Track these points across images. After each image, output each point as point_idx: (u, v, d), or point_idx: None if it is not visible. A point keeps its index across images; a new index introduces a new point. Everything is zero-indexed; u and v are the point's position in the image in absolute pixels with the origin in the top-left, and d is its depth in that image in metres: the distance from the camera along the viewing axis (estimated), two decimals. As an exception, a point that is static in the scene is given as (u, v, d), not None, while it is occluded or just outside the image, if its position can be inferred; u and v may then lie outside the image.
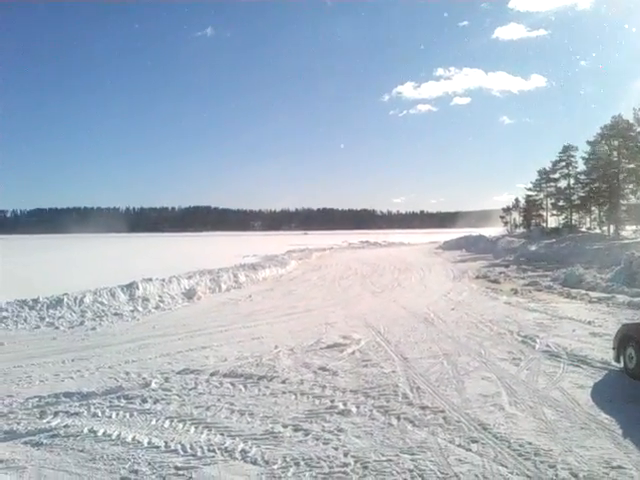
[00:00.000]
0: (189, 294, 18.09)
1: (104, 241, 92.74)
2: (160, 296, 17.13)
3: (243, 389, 7.70)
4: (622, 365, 8.37)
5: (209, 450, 5.57)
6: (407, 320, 13.34)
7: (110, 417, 6.68)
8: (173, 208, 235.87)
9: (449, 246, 53.37)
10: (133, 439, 5.90)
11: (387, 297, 18.20)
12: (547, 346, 10.09)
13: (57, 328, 13.06)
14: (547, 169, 58.02)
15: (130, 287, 16.96)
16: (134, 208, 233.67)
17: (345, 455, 5.34)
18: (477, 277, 24.46)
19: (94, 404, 7.13)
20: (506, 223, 71.51)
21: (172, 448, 5.64)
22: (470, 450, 5.45)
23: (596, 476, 4.84)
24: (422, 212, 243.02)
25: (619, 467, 5.02)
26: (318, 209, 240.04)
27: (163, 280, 18.52)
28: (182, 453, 5.51)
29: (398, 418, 6.38)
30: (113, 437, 5.98)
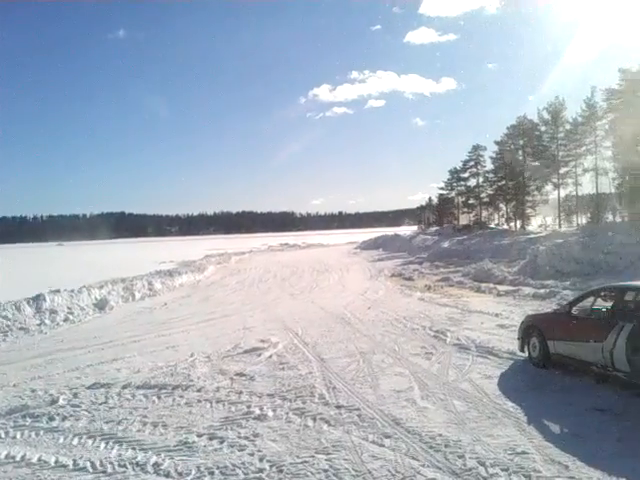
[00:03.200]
0: (101, 304, 17.42)
1: (8, 252, 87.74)
2: (69, 308, 16.38)
3: (156, 400, 7.50)
4: (527, 354, 8.82)
5: (120, 465, 5.38)
6: (325, 321, 13.46)
7: (14, 437, 6.33)
8: (85, 215, 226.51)
9: (367, 246, 54.40)
10: (39, 459, 5.62)
11: (305, 299, 18.30)
12: (457, 339, 10.48)
13: (-45, 347, 12.23)
14: (458, 168, 60.25)
15: (37, 299, 16.11)
16: (42, 216, 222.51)
17: (261, 460, 5.32)
18: (393, 275, 25.07)
19: (-4, 425, 6.73)
20: (420, 222, 73.78)
21: (81, 466, 5.42)
22: (383, 446, 5.56)
23: (502, 463, 5.05)
24: (341, 213, 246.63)
25: (523, 452, 5.26)
26: (237, 212, 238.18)
27: (72, 291, 17.73)
28: (91, 471, 5.30)
29: (314, 419, 6.42)
30: (17, 459, 5.67)
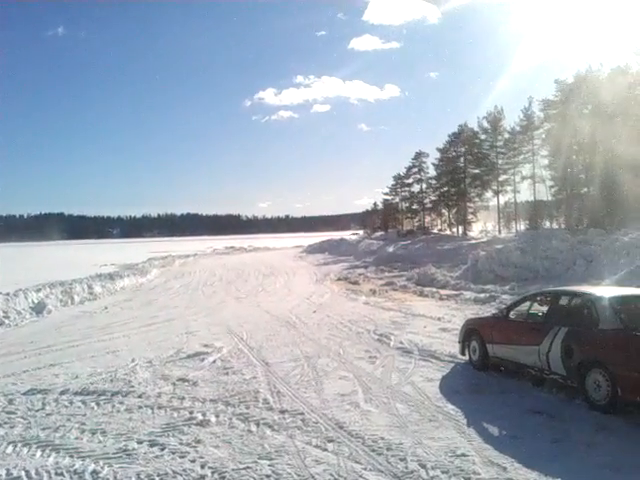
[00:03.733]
0: (38, 308, 16.82)
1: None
2: (5, 311, 15.72)
3: (95, 407, 7.29)
4: (467, 358, 9.05)
5: (57, 474, 5.20)
6: (270, 324, 13.43)
7: (-58, 448, 6.04)
8: (22, 216, 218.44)
9: (313, 250, 54.56)
10: (-32, 470, 5.38)
11: (251, 302, 18.21)
12: (401, 343, 10.64)
13: None
14: (401, 174, 61.45)
15: (-32, 303, 15.45)
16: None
17: (202, 467, 5.24)
18: (338, 279, 25.25)
19: None
20: (365, 226, 74.55)
21: (15, 475, 5.20)
22: (326, 450, 5.59)
23: (442, 465, 5.14)
24: (288, 216, 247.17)
25: (463, 455, 5.37)
26: (182, 214, 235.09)
27: (8, 294, 17.05)
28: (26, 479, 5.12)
29: (257, 424, 6.39)
30: (-57, 471, 5.41)
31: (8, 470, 5.33)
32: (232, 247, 73.94)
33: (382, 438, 5.84)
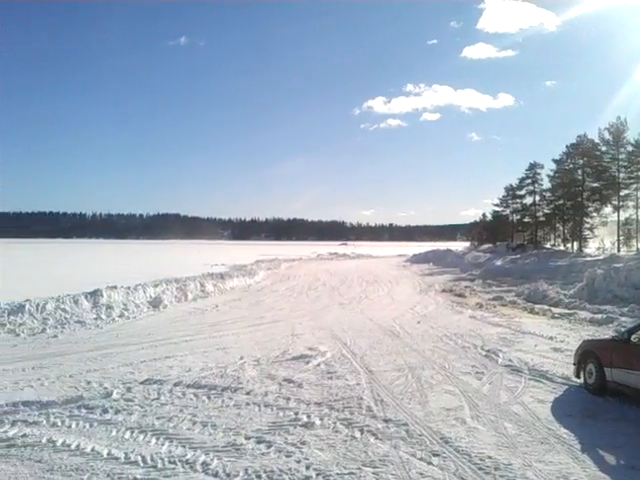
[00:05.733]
0: (155, 303, 17.85)
1: (69, 247, 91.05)
2: (125, 304, 16.85)
3: (206, 400, 7.62)
4: (582, 381, 8.54)
5: (170, 462, 5.48)
6: (373, 332, 13.39)
7: (70, 427, 6.53)
8: (141, 215, 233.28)
9: (417, 259, 53.91)
10: (92, 450, 5.78)
11: (354, 309, 18.26)
12: (510, 360, 10.23)
13: (18, 335, 12.74)
14: (513, 186, 59.22)
15: (94, 294, 16.67)
16: (101, 214, 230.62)
17: (307, 468, 5.32)
18: (443, 291, 24.74)
19: (54, 413, 6.97)
20: (472, 238, 72.62)
21: (132, 459, 5.54)
22: (431, 464, 5.48)
23: (553, 490, 4.91)
24: (391, 225, 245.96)
25: (576, 481, 5.10)
26: (288, 219, 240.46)
27: (128, 288, 18.25)
28: (142, 465, 5.42)
29: (361, 431, 6.39)
30: (72, 447, 5.85)
31: (126, 454, 5.68)
32: (335, 253, 74.66)
33: (490, 457, 5.64)
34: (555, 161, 52.94)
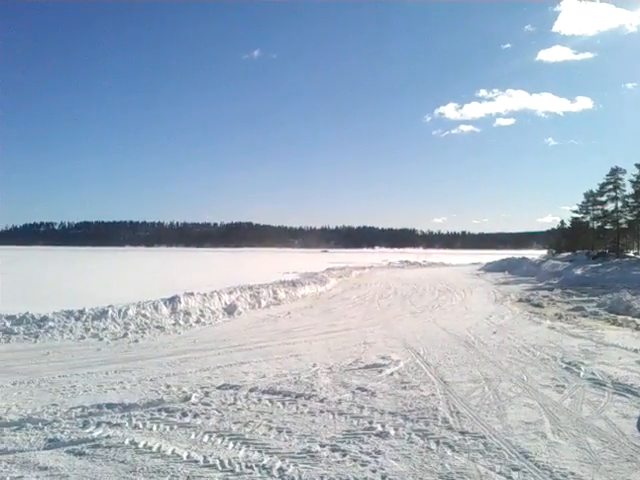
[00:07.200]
0: (230, 309, 18.26)
1: (148, 255, 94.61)
2: (201, 310, 17.33)
3: (281, 406, 7.72)
4: (672, 396, 8.09)
5: (247, 467, 5.58)
6: (447, 342, 13.15)
7: (151, 429, 6.77)
8: (215, 224, 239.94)
9: (491, 268, 52.60)
10: (173, 452, 5.96)
11: (427, 318, 18.00)
12: (592, 374, 9.80)
13: (101, 339, 13.34)
14: (594, 191, 56.80)
15: (172, 301, 17.23)
16: (177, 223, 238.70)
17: (383, 478, 5.29)
18: (520, 300, 23.99)
19: (135, 416, 7.24)
20: (550, 246, 70.18)
21: (210, 463, 5.68)
22: (511, 478, 5.32)
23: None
24: (464, 233, 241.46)
25: (667, 503, 4.83)
26: (358, 227, 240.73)
27: (204, 295, 18.77)
28: (220, 468, 5.54)
29: (437, 442, 6.28)
30: (153, 449, 6.05)
31: (205, 457, 5.82)
32: (406, 261, 73.93)
33: (572, 473, 5.42)
34: (638, 165, 50.45)
